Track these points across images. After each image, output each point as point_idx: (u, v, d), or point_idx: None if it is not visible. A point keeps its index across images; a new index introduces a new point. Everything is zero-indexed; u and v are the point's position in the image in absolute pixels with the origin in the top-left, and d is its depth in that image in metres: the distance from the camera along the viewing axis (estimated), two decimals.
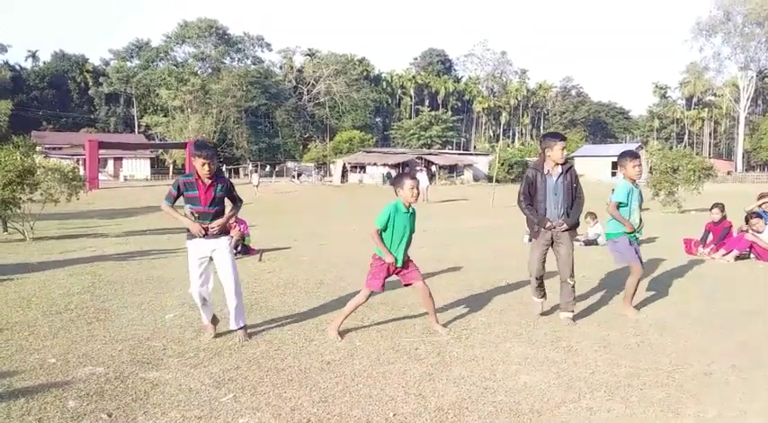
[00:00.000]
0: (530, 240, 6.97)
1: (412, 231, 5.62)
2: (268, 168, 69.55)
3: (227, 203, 5.50)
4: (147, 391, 4.14)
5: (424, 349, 5.16)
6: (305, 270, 9.23)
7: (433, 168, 59.62)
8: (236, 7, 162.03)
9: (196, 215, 5.26)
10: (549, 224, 6.00)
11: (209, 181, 5.25)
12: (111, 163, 59.49)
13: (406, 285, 5.79)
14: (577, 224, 6.22)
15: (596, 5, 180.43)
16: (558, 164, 6.04)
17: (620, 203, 6.32)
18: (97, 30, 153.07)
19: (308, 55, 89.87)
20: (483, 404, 3.98)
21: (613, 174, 59.73)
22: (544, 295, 6.35)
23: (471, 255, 10.87)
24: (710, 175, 23.73)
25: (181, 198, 5.31)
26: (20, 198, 13.28)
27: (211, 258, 5.38)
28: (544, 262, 6.18)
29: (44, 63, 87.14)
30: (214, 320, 5.60)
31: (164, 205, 5.27)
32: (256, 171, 52.99)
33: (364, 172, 59.63)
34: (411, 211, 5.58)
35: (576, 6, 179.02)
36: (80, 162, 46.96)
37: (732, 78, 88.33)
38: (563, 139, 6.16)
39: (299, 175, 61.96)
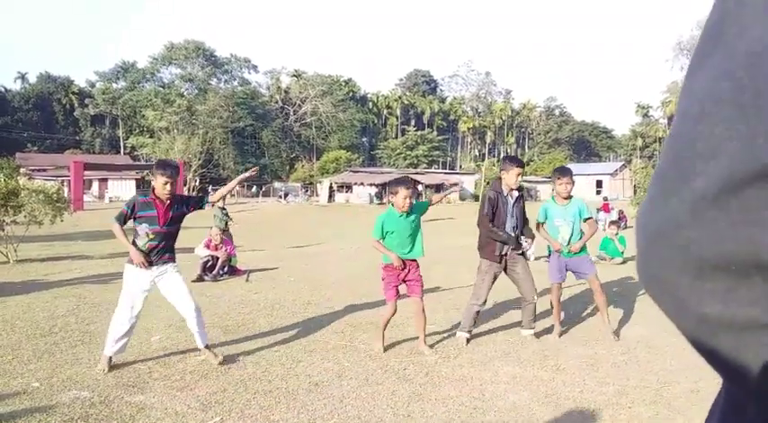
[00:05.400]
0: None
1: (418, 231, 5.74)
2: (254, 188, 69.43)
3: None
4: (132, 414, 4.09)
5: (412, 369, 5.14)
6: (292, 291, 9.19)
7: (420, 187, 59.77)
8: (223, 29, 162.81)
9: (151, 236, 5.07)
10: (521, 244, 6.11)
11: (168, 201, 5.17)
12: (96, 184, 59.17)
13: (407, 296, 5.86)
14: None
15: (578, 26, 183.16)
16: (512, 188, 6.11)
17: (540, 222, 6.50)
18: (83, 52, 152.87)
19: (295, 76, 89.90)
20: None
21: (598, 192, 60.21)
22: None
23: (458, 273, 10.87)
24: None
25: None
26: (3, 220, 13.15)
27: (149, 290, 5.15)
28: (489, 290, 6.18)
29: (29, 85, 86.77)
30: (111, 360, 5.11)
31: (114, 226, 5.09)
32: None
33: (351, 191, 59.65)
34: (408, 213, 5.64)
35: (558, 27, 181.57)
36: (65, 183, 46.62)
37: None
38: (520, 165, 6.20)
39: (285, 195, 61.82)
